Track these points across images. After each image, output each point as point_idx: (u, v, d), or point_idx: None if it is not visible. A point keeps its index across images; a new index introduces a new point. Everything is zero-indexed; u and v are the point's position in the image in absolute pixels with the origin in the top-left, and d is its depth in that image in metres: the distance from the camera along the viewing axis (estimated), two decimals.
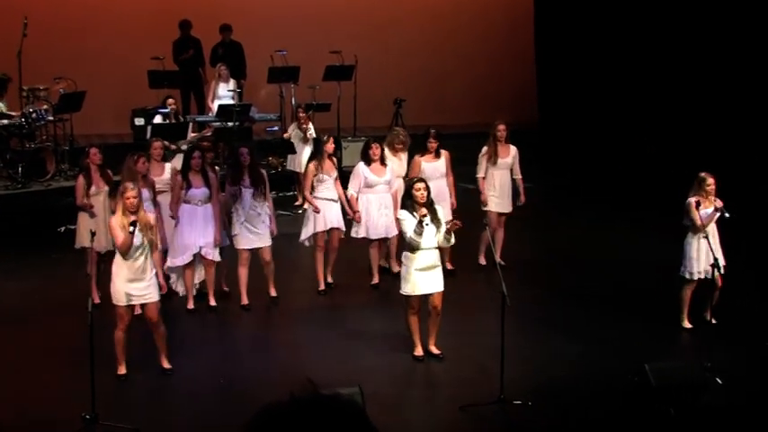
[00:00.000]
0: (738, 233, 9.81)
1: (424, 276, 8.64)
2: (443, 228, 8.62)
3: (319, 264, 10.67)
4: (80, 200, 10.10)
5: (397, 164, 10.91)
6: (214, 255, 10.04)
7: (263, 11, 17.19)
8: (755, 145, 14.30)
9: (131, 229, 8.17)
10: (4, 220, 12.52)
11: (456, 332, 9.38)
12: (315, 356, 9.10)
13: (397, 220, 9.08)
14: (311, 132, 13.52)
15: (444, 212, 10.49)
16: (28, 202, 12.92)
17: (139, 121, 14.14)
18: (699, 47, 15.38)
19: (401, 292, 8.82)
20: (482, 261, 11.43)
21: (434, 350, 8.97)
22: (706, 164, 10.30)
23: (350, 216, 10.61)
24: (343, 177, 11.23)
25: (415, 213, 8.56)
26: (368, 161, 10.58)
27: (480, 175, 11.19)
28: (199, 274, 10.30)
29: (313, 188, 10.54)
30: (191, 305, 10.10)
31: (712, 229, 9.42)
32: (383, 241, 10.84)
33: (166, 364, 8.64)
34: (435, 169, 10.92)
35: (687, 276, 9.43)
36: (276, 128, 15.35)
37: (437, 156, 10.97)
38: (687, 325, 9.56)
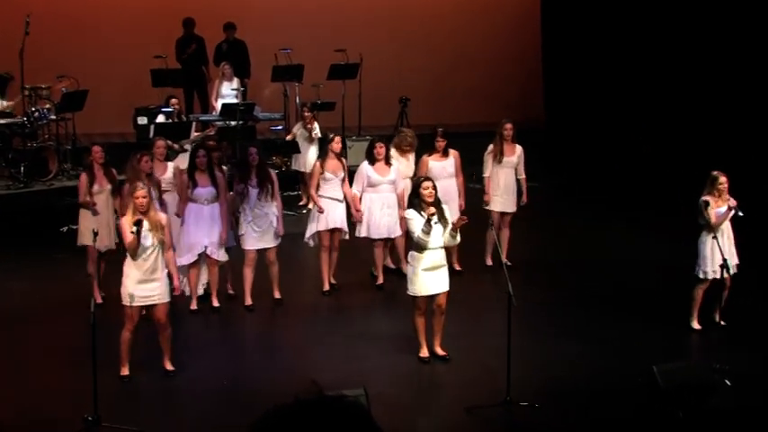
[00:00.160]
0: (742, 233, 9.79)
1: (430, 276, 8.64)
2: (449, 227, 8.63)
3: (323, 264, 10.67)
4: (82, 197, 10.14)
5: (404, 165, 10.91)
6: (219, 255, 10.04)
7: (268, 9, 17.19)
8: (755, 144, 14.28)
9: (134, 229, 8.18)
10: (6, 219, 12.54)
11: (462, 333, 9.38)
12: (319, 358, 9.10)
13: (404, 220, 9.07)
14: (316, 132, 13.51)
15: (452, 213, 10.52)
16: (30, 201, 12.94)
17: (142, 121, 14.14)
18: (696, 46, 15.43)
19: (408, 292, 8.82)
20: (489, 261, 11.43)
21: (440, 351, 8.96)
22: (706, 163, 10.31)
23: (354, 216, 10.63)
24: (349, 176, 11.23)
25: (422, 213, 8.56)
26: (372, 160, 10.58)
27: (486, 174, 11.19)
28: (205, 275, 10.30)
29: (318, 187, 10.56)
30: (194, 306, 10.11)
31: (727, 228, 9.41)
32: (387, 241, 10.84)
33: (169, 366, 8.65)
34: (443, 169, 10.92)
35: (701, 276, 9.41)
36: (280, 127, 15.35)
37: (445, 155, 10.97)
38: (696, 326, 9.54)
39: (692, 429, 7.24)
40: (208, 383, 8.60)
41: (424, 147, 11.17)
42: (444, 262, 8.76)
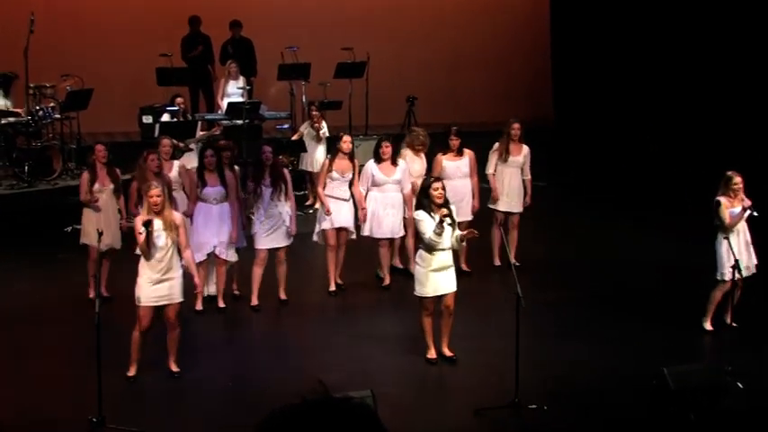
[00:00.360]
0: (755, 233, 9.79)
1: (437, 277, 8.64)
2: (457, 231, 8.63)
3: (330, 263, 10.68)
4: (83, 195, 10.20)
5: (418, 164, 10.88)
6: (228, 255, 10.04)
7: (274, 7, 17.20)
8: (763, 143, 14.28)
9: (142, 230, 8.19)
10: (10, 219, 12.55)
11: (469, 334, 9.37)
12: (326, 358, 9.09)
13: (414, 220, 9.06)
14: (324, 131, 13.47)
15: (464, 213, 10.56)
16: (34, 201, 12.95)
17: (147, 119, 14.17)
18: (703, 45, 15.46)
19: (415, 293, 8.81)
20: (497, 262, 11.43)
21: (447, 352, 8.96)
22: (714, 162, 10.31)
23: (359, 215, 10.66)
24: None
25: (432, 213, 8.56)
26: (378, 159, 10.59)
27: (490, 171, 11.19)
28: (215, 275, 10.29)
29: (325, 185, 10.58)
30: (199, 306, 10.10)
31: (742, 228, 9.39)
32: (392, 241, 10.83)
33: (175, 368, 8.65)
34: (457, 168, 10.91)
35: (718, 278, 9.38)
36: (287, 126, 15.35)
37: (460, 154, 10.96)
38: (709, 327, 9.53)
39: (704, 431, 7.22)
40: (213, 384, 8.60)
41: (433, 146, 11.15)
42: (452, 262, 8.77)
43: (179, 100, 13.50)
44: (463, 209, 10.74)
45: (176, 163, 10.56)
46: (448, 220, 8.47)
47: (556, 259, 11.95)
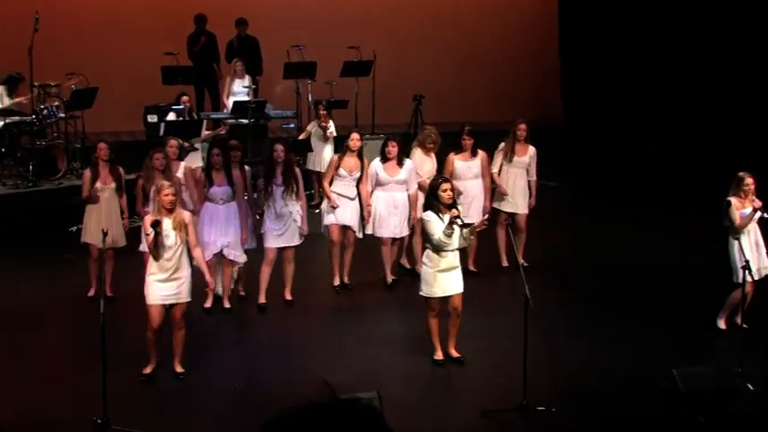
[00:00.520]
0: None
1: (444, 278, 8.65)
2: (465, 230, 8.64)
3: (333, 259, 10.70)
4: (85, 193, 10.24)
5: (429, 163, 10.87)
6: (235, 255, 10.04)
7: (280, 5, 17.21)
8: (761, 144, 14.34)
9: (150, 231, 8.20)
10: (14, 219, 12.58)
11: (477, 335, 9.37)
12: (332, 359, 9.10)
13: (422, 221, 9.07)
14: (331, 130, 13.44)
15: (474, 214, 10.59)
16: (38, 200, 12.97)
17: (152, 118, 14.17)
18: (702, 45, 15.57)
19: (421, 293, 8.82)
20: (504, 263, 11.43)
21: (455, 353, 8.96)
22: (707, 163, 10.35)
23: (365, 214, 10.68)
24: None
25: (440, 214, 8.56)
26: (384, 159, 10.61)
27: (494, 170, 11.19)
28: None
29: (331, 182, 10.59)
30: (208, 303, 10.10)
31: (753, 228, 9.38)
32: (394, 241, 10.83)
33: (179, 368, 8.67)
34: (468, 169, 10.92)
35: (734, 280, 9.36)
36: (292, 125, 15.35)
37: (473, 155, 10.96)
38: (722, 326, 9.52)
39: None
40: (218, 385, 8.61)
41: (442, 146, 11.14)
42: (458, 263, 8.77)
43: (184, 99, 13.51)
44: (472, 210, 10.75)
45: (182, 164, 10.57)
46: (459, 221, 8.48)
47: (562, 259, 11.96)
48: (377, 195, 10.64)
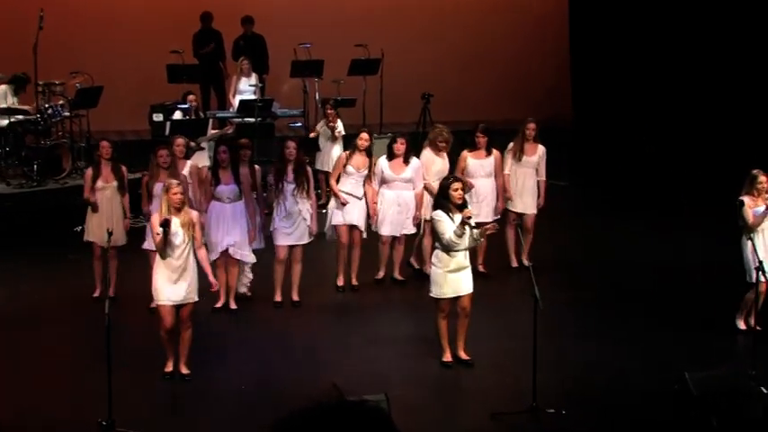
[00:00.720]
0: None
1: (454, 278, 8.64)
2: (476, 231, 8.63)
3: (340, 260, 10.72)
4: (86, 192, 10.29)
5: (439, 163, 10.86)
6: (242, 255, 10.03)
7: (287, 2, 17.20)
8: (760, 145, 14.39)
9: (159, 231, 8.21)
10: (18, 218, 12.61)
11: (485, 336, 9.36)
12: (339, 360, 9.09)
13: (432, 220, 9.06)
14: (339, 130, 13.41)
15: (485, 214, 10.60)
16: (43, 200, 13.00)
17: (158, 117, 14.18)
18: (702, 48, 15.71)
19: (431, 294, 8.81)
20: (514, 263, 11.42)
21: (463, 355, 8.94)
22: (709, 164, 10.39)
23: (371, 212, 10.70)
24: None
25: (450, 214, 8.55)
26: (390, 156, 10.61)
27: (506, 171, 11.19)
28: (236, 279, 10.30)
29: (339, 180, 10.61)
30: (220, 303, 10.10)
31: (767, 227, 9.35)
32: (397, 239, 10.83)
33: (185, 370, 8.67)
34: (481, 167, 10.92)
35: (748, 280, 9.34)
36: (299, 124, 15.35)
37: (488, 153, 10.96)
38: (742, 326, 9.52)
39: None
40: (224, 387, 8.61)
41: (453, 144, 11.13)
42: (468, 263, 8.76)
43: (191, 98, 13.52)
44: (483, 209, 10.75)
45: (188, 162, 10.58)
46: (472, 222, 8.48)
47: (571, 259, 11.96)
48: (382, 193, 10.65)
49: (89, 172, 10.39)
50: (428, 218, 10.09)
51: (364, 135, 10.71)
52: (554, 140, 11.63)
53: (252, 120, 13.95)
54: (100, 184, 10.23)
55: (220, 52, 15.92)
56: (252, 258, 10.12)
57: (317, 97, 15.03)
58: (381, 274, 10.93)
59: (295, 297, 10.38)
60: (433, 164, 10.80)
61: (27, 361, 9.25)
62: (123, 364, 8.25)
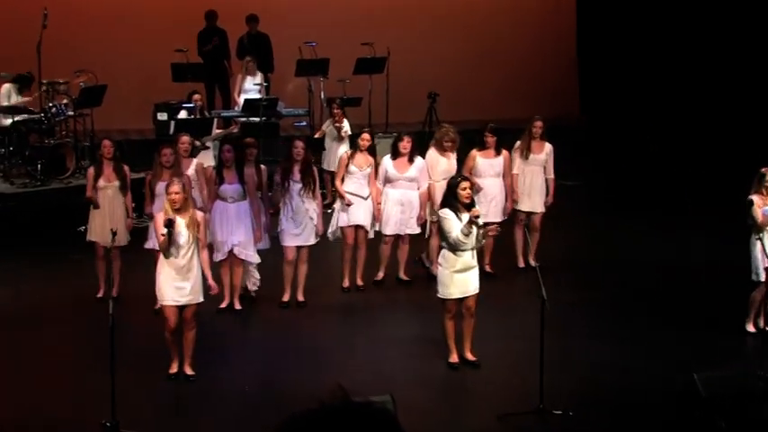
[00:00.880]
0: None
1: (461, 278, 8.63)
2: (480, 231, 8.63)
3: (345, 261, 10.72)
4: (88, 192, 10.33)
5: (445, 163, 10.83)
6: (246, 255, 10.02)
7: (292, 0, 17.21)
8: (764, 144, 14.38)
9: (164, 231, 8.21)
10: (22, 218, 12.62)
11: (493, 337, 9.35)
12: (344, 361, 9.09)
13: (439, 219, 9.06)
14: (346, 129, 13.38)
15: (494, 214, 10.59)
16: (47, 200, 13.01)
17: (162, 116, 14.19)
18: (706, 47, 15.72)
19: (438, 295, 8.80)
20: (521, 263, 11.40)
21: (470, 357, 8.93)
22: (712, 163, 10.38)
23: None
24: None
25: (458, 213, 8.54)
26: (395, 155, 10.61)
27: (515, 171, 11.18)
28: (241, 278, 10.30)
29: (343, 181, 10.61)
30: (224, 304, 10.10)
31: None
32: (400, 239, 10.82)
33: (190, 371, 8.67)
34: (490, 166, 10.91)
35: (754, 278, 9.33)
36: (304, 123, 15.35)
37: (497, 153, 10.95)
38: (751, 329, 9.51)
39: None
40: (230, 387, 8.61)
41: (460, 144, 11.12)
42: (475, 263, 8.75)
43: (196, 97, 13.51)
44: (492, 209, 10.75)
45: (194, 161, 10.57)
46: (480, 221, 8.47)
47: (578, 259, 11.95)
48: (386, 192, 10.65)
49: (91, 171, 10.42)
50: (434, 218, 10.09)
51: (365, 135, 10.74)
52: (561, 139, 11.61)
53: (257, 119, 13.94)
54: (101, 183, 10.24)
55: (224, 51, 15.92)
56: (256, 259, 10.12)
57: (323, 96, 15.02)
58: (381, 275, 10.92)
59: (300, 297, 10.38)
60: (437, 164, 10.79)
61: (29, 361, 9.27)
62: (126, 364, 8.26)
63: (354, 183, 10.59)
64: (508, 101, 17.40)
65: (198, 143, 12.44)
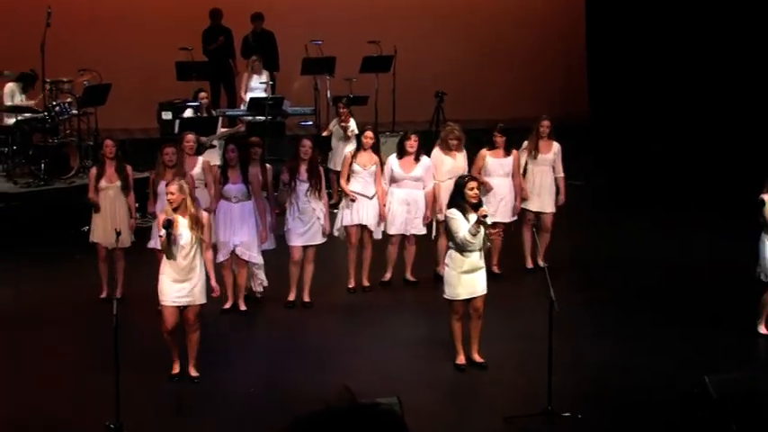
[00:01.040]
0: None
1: (468, 279, 8.61)
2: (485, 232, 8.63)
3: (350, 260, 10.71)
4: (90, 192, 10.34)
5: (450, 163, 10.79)
6: (250, 256, 10.01)
7: None
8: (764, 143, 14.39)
9: (162, 232, 8.20)
10: (25, 218, 12.64)
11: (500, 338, 9.34)
12: (350, 362, 9.08)
13: (446, 218, 9.04)
14: (352, 129, 13.36)
15: (502, 214, 10.59)
16: (50, 199, 13.02)
17: (167, 115, 14.20)
18: (710, 46, 15.78)
19: (445, 296, 8.78)
20: (529, 264, 11.38)
21: (477, 358, 8.92)
22: (720, 160, 10.36)
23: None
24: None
25: (465, 213, 8.53)
26: (401, 153, 10.60)
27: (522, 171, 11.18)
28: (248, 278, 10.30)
29: (348, 180, 10.60)
30: (227, 306, 10.11)
31: None
32: (406, 239, 10.81)
33: (194, 372, 8.66)
34: (500, 166, 10.90)
35: (763, 279, 9.31)
36: (310, 122, 15.35)
37: (507, 153, 10.94)
38: (763, 331, 9.49)
39: None
40: (234, 388, 8.61)
41: (467, 144, 11.11)
42: (483, 264, 8.74)
43: (202, 95, 13.53)
44: (501, 209, 10.73)
45: (200, 159, 10.56)
46: (488, 221, 8.46)
47: (587, 259, 11.97)
48: (391, 191, 10.64)
49: (93, 171, 10.42)
50: (441, 218, 10.08)
51: (369, 133, 10.72)
52: (570, 139, 11.60)
53: (262, 118, 13.94)
54: (103, 183, 10.23)
55: (229, 49, 15.93)
56: (259, 260, 10.09)
57: (329, 95, 15.02)
58: (388, 276, 10.91)
59: (306, 298, 10.38)
60: (442, 164, 10.76)
61: (29, 361, 9.27)
62: (130, 365, 8.25)
63: (359, 182, 10.57)
64: (516, 100, 17.38)
65: (204, 139, 12.44)
